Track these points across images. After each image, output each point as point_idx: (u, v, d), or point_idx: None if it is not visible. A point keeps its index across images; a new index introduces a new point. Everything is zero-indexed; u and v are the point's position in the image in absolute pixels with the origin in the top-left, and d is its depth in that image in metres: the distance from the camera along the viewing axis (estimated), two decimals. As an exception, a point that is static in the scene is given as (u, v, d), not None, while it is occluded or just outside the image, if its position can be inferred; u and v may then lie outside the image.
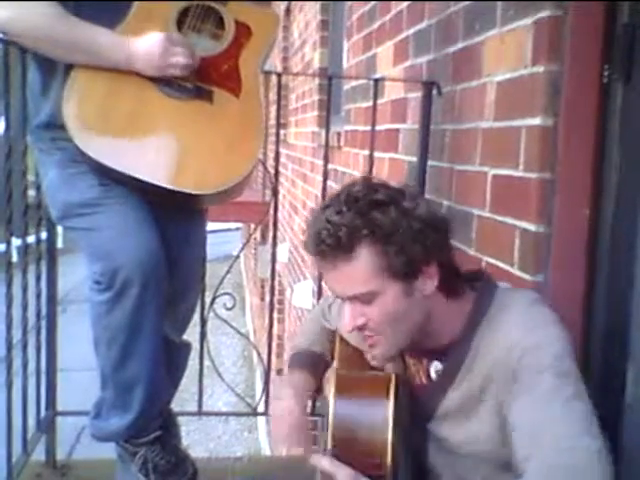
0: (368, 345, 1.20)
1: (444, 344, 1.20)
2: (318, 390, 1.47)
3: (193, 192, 1.56)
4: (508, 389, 1.10)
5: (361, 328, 1.16)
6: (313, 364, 1.47)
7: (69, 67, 1.56)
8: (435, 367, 1.24)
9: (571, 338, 1.13)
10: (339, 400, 1.21)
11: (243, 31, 1.67)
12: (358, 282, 1.11)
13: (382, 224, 1.09)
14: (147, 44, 1.55)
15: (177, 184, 1.54)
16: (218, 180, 1.58)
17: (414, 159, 2.04)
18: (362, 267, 1.11)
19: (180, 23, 1.63)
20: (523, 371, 1.08)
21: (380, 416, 1.18)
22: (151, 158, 1.55)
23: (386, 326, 1.14)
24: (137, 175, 1.53)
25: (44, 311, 2.07)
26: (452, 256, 1.20)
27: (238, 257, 2.76)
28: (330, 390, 1.24)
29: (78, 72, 1.56)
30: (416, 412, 1.25)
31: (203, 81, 1.62)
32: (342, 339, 1.45)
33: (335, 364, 1.40)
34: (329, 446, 1.18)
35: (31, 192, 1.92)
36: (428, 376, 1.25)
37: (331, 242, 1.09)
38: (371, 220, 1.09)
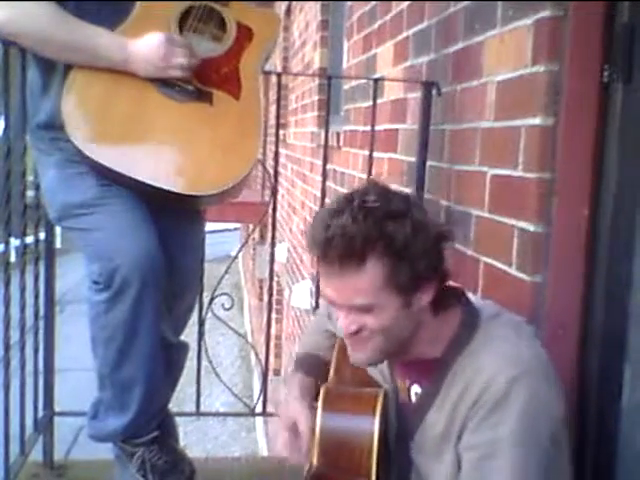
0: (353, 348, 1.18)
1: (426, 359, 1.20)
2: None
3: (191, 193, 1.56)
4: (468, 431, 1.10)
5: (355, 333, 1.15)
6: (318, 369, 1.46)
7: (69, 67, 1.56)
8: (414, 390, 1.24)
9: (553, 369, 1.12)
10: (325, 414, 1.21)
11: (245, 33, 1.66)
12: (361, 293, 1.09)
13: (397, 237, 1.08)
14: (147, 45, 1.55)
15: (175, 185, 1.54)
16: (216, 182, 1.58)
17: (413, 159, 2.03)
18: (369, 279, 1.09)
19: (181, 24, 1.62)
20: (485, 421, 1.08)
21: (366, 433, 1.18)
22: (150, 159, 1.55)
23: (379, 335, 1.14)
24: (136, 176, 1.52)
25: (42, 311, 2.07)
26: (447, 278, 1.19)
27: (236, 257, 2.76)
28: (318, 404, 1.23)
29: (77, 72, 1.55)
30: (401, 430, 1.25)
31: (203, 83, 1.61)
32: (342, 344, 1.45)
33: (331, 372, 1.40)
34: (315, 461, 1.18)
35: (30, 192, 1.92)
36: (409, 397, 1.25)
37: (343, 251, 1.07)
38: (387, 233, 1.07)
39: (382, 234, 1.07)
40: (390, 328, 1.13)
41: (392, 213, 1.09)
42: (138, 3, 1.60)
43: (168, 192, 1.53)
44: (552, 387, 1.10)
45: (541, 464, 1.06)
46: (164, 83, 1.58)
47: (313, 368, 1.46)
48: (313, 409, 1.32)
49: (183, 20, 1.62)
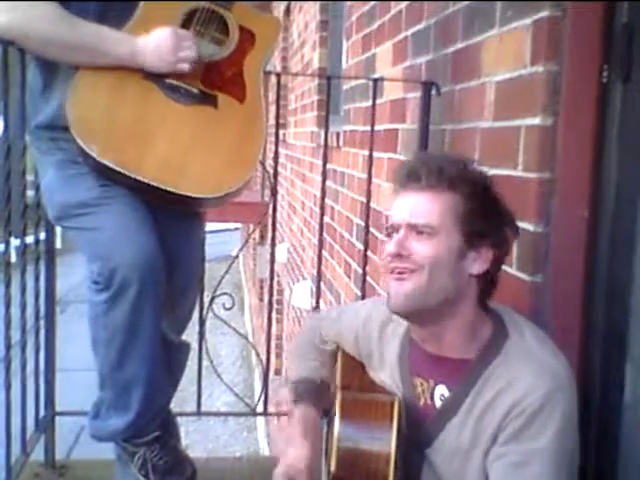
0: (395, 278, 1.18)
1: (456, 358, 1.21)
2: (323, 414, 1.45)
3: (195, 195, 1.56)
4: (500, 442, 1.12)
5: (401, 256, 1.17)
6: (316, 394, 1.42)
7: (73, 69, 1.56)
8: (440, 391, 1.23)
9: (574, 378, 1.15)
10: (344, 424, 1.22)
11: (247, 37, 1.67)
12: (433, 213, 1.16)
13: (483, 193, 1.19)
14: (156, 39, 1.55)
15: (179, 187, 1.54)
16: (219, 184, 1.58)
17: (413, 159, 2.03)
18: (445, 202, 1.17)
19: (184, 28, 1.62)
20: (521, 433, 1.09)
21: (384, 443, 1.19)
22: (154, 161, 1.55)
23: (425, 267, 1.15)
24: (140, 177, 1.53)
25: (43, 311, 2.07)
26: (500, 270, 1.23)
27: (237, 257, 2.76)
28: (335, 413, 1.24)
29: (82, 74, 1.56)
30: (416, 435, 1.25)
31: (208, 86, 1.62)
32: (344, 354, 1.45)
33: (337, 380, 1.40)
34: (332, 468, 1.19)
35: (30, 192, 1.92)
36: (432, 399, 1.24)
37: (436, 171, 1.18)
38: (477, 183, 1.19)
39: (471, 184, 1.18)
40: (436, 264, 1.15)
41: (484, 178, 1.22)
42: (141, 4, 1.60)
43: (172, 194, 1.54)
44: (575, 398, 1.13)
45: (569, 472, 1.10)
46: (169, 86, 1.58)
47: (314, 395, 1.41)
48: (315, 448, 1.30)
49: (185, 24, 1.62)
